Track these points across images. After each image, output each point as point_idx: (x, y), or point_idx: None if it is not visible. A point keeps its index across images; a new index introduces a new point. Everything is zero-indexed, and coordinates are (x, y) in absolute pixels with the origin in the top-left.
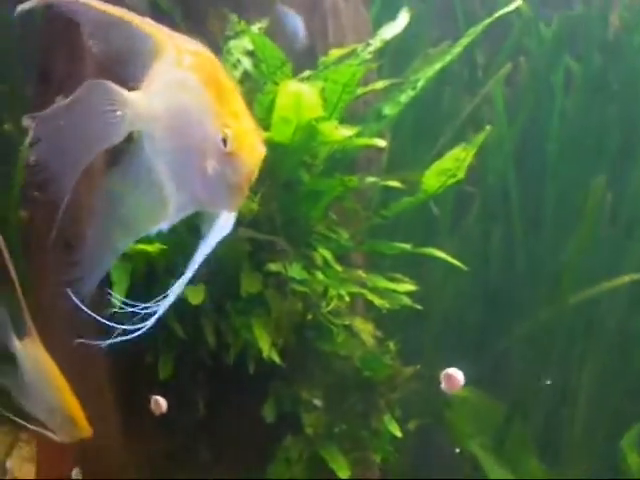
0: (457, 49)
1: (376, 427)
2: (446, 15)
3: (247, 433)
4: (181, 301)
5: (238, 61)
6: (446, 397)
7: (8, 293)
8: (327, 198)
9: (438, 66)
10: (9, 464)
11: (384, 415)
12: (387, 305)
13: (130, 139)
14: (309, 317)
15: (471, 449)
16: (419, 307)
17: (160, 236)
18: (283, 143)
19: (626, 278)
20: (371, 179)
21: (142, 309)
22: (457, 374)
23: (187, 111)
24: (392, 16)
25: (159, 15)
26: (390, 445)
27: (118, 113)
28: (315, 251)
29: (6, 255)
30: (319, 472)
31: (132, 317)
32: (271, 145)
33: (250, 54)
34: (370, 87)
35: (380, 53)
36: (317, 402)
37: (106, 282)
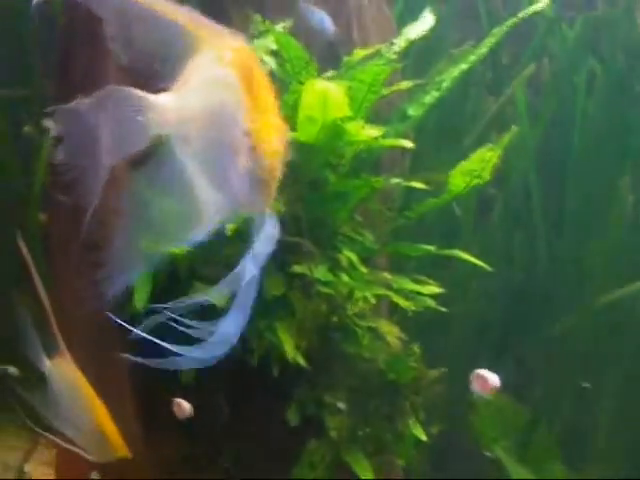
0: (482, 49)
1: (400, 430)
2: (467, 15)
3: (270, 437)
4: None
5: (262, 61)
6: (470, 400)
7: (37, 311)
8: (353, 199)
9: (463, 66)
10: (27, 468)
11: (409, 418)
12: (413, 307)
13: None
14: (334, 319)
15: (495, 453)
16: (443, 309)
17: None
18: (308, 142)
19: None
20: (396, 180)
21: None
22: (489, 375)
23: (224, 109)
24: (415, 16)
25: None
26: (414, 449)
27: (140, 119)
28: (340, 253)
29: (34, 272)
30: (342, 476)
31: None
32: (296, 145)
33: (274, 54)
34: (395, 87)
35: (403, 53)
36: (341, 405)
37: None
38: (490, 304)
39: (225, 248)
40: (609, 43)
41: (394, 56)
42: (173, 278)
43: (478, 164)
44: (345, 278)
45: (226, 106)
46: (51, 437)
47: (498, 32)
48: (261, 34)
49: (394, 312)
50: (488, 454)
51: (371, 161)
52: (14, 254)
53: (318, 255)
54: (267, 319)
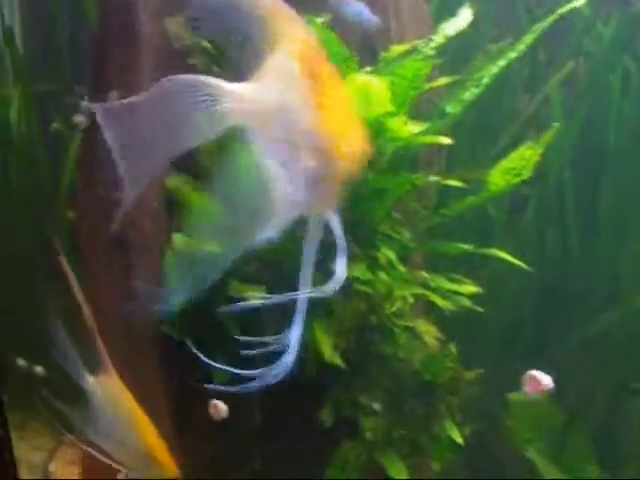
0: (521, 46)
1: (436, 432)
2: (502, 11)
3: (304, 437)
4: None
5: None
6: (503, 401)
7: (80, 327)
8: (392, 196)
9: (502, 63)
10: (52, 467)
11: (445, 420)
12: (450, 307)
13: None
14: (372, 319)
15: (529, 454)
16: (479, 309)
17: None
18: None
19: None
20: (434, 177)
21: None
22: (541, 376)
23: (290, 105)
24: (451, 11)
25: None
26: (449, 451)
27: (216, 108)
28: (379, 251)
29: (76, 288)
30: (376, 477)
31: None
32: None
33: None
34: (434, 83)
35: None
36: (377, 406)
37: None
38: (524, 303)
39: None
40: None
41: (432, 52)
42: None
43: (518, 162)
44: (384, 277)
45: (292, 102)
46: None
47: (538, 28)
48: None
49: (429, 311)
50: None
51: (409, 158)
52: (43, 252)
53: (357, 253)
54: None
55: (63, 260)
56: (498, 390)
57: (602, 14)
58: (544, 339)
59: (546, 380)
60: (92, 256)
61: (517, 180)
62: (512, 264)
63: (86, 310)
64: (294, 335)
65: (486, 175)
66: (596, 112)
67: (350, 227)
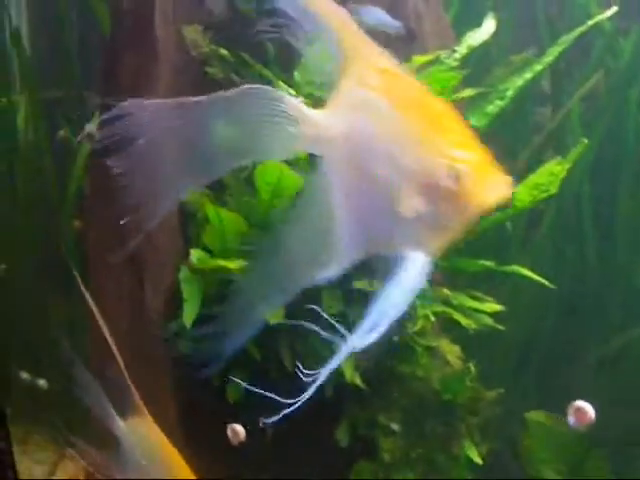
0: (548, 58)
1: (455, 452)
2: (520, 23)
3: (319, 457)
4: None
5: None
6: (520, 421)
7: (110, 369)
8: None
9: (528, 76)
10: None
11: (464, 440)
12: (473, 325)
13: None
14: (394, 338)
15: (546, 475)
16: (500, 327)
17: (241, 251)
18: None
19: None
20: None
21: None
22: (586, 407)
23: (378, 140)
24: (468, 22)
25: (237, 18)
26: (468, 471)
27: (291, 129)
28: None
29: (105, 331)
30: None
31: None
32: None
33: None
34: (459, 94)
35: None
36: (395, 426)
37: None
38: (542, 320)
39: None
40: None
41: (456, 63)
42: (225, 294)
43: (546, 178)
44: None
45: (382, 136)
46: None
47: (565, 41)
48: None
49: (450, 329)
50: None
51: None
52: (52, 261)
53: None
54: (324, 340)
55: (87, 296)
56: (515, 409)
57: (621, 27)
58: (562, 357)
59: (591, 411)
60: (100, 270)
61: (544, 196)
62: (532, 280)
63: (114, 349)
64: (325, 372)
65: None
66: (615, 126)
67: None
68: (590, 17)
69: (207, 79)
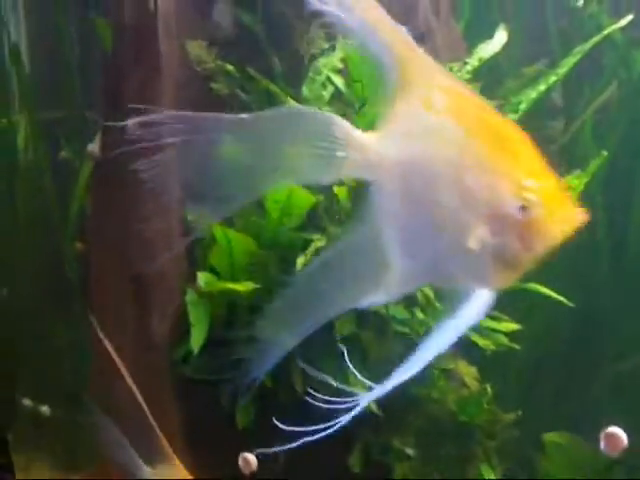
0: (562, 69)
1: (472, 476)
2: (530, 34)
3: None
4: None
5: (328, 80)
6: (537, 442)
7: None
8: None
9: (542, 88)
10: None
11: (480, 464)
12: (491, 346)
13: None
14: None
15: None
16: (516, 346)
17: (248, 273)
18: None
19: None
20: None
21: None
22: (619, 433)
23: (443, 167)
24: (478, 33)
25: (241, 32)
26: None
27: (340, 154)
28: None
29: (129, 382)
30: None
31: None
32: None
33: (340, 72)
34: None
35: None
36: (410, 451)
37: None
38: (554, 336)
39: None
40: None
41: (468, 76)
42: (233, 317)
43: None
44: (420, 315)
45: (448, 163)
46: None
47: (579, 51)
48: (323, 52)
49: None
50: None
51: None
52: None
53: None
54: (336, 360)
55: (106, 341)
56: (532, 429)
57: (633, 37)
58: (577, 375)
59: (624, 437)
60: (103, 288)
61: None
62: (549, 298)
63: (138, 396)
64: (366, 400)
65: None
66: (628, 138)
67: None
68: (601, 28)
69: (211, 95)
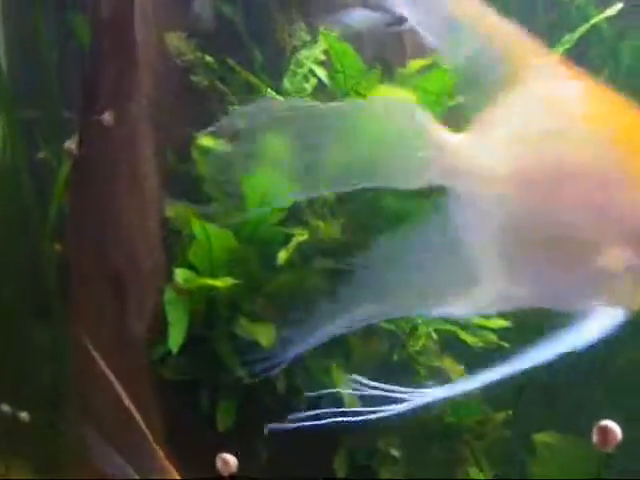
0: None
1: (460, 479)
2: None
3: None
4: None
5: (310, 72)
6: (528, 442)
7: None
8: (415, 222)
9: None
10: None
11: (469, 466)
12: (480, 344)
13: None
14: (394, 358)
15: None
16: (506, 344)
17: (228, 269)
18: None
19: None
20: None
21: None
22: (613, 427)
23: (573, 178)
24: None
25: (222, 24)
26: None
27: (421, 155)
28: None
29: (129, 404)
30: None
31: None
32: None
33: (322, 64)
34: (459, 99)
35: None
36: (395, 452)
37: None
38: (543, 333)
39: (273, 281)
40: None
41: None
42: (212, 315)
43: None
44: None
45: (580, 170)
46: None
47: (567, 40)
48: (306, 44)
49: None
50: None
51: None
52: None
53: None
54: (320, 359)
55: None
56: (522, 429)
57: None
58: (569, 374)
59: (618, 431)
60: (82, 290)
61: None
62: None
63: (136, 416)
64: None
65: None
66: None
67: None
68: (588, 19)
69: (191, 87)
